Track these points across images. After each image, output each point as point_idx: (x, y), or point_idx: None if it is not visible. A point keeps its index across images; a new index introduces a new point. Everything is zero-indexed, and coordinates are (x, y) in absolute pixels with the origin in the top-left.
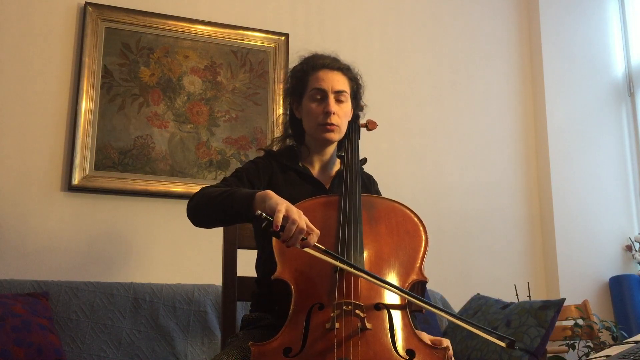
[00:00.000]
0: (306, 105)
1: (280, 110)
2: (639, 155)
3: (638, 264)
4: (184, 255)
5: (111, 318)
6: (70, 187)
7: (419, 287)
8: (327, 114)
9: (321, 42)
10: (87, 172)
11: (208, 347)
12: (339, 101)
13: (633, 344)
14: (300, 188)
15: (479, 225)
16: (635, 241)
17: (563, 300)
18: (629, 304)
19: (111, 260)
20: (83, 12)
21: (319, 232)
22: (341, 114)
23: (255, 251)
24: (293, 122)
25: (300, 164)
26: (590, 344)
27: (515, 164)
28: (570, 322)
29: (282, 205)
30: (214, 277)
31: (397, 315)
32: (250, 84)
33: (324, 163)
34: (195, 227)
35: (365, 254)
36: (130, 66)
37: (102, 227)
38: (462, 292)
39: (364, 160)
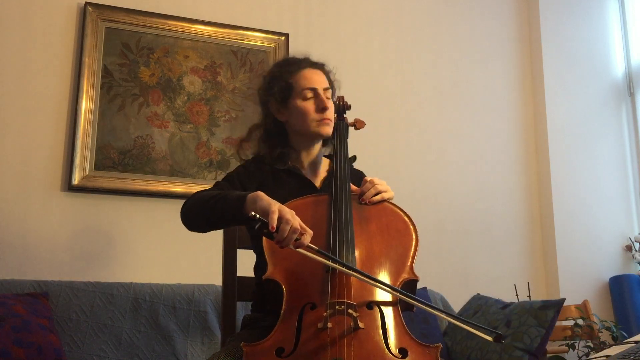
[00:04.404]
0: (297, 106)
1: None
2: (639, 155)
3: (638, 264)
4: (184, 255)
5: (111, 318)
6: (70, 187)
7: (409, 286)
8: (324, 109)
9: (321, 42)
10: (87, 172)
11: (208, 347)
12: (327, 98)
13: (633, 344)
14: (290, 188)
15: (479, 225)
16: (635, 241)
17: (563, 300)
18: (629, 304)
19: (111, 260)
20: (83, 12)
21: (312, 232)
22: (332, 109)
23: None
24: (274, 126)
25: (290, 164)
26: (590, 344)
27: (515, 164)
28: (570, 322)
29: (275, 206)
30: (214, 277)
31: (389, 314)
32: (250, 84)
33: (313, 162)
34: None
35: (356, 254)
36: (130, 66)
37: (102, 227)
38: (462, 292)
39: (354, 158)
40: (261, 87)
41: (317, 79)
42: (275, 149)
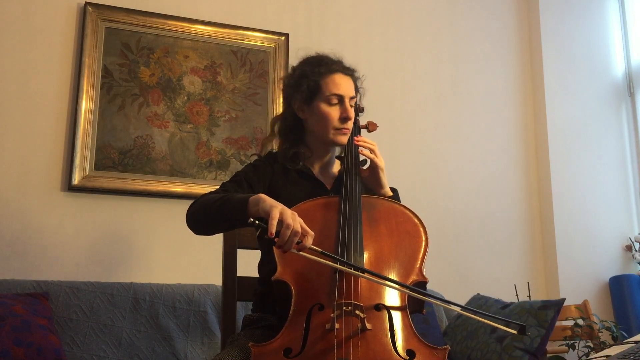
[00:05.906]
0: (320, 108)
1: (280, 110)
2: (639, 155)
3: (638, 264)
4: (184, 255)
5: (111, 318)
6: (70, 187)
7: (419, 288)
8: (346, 119)
9: (321, 42)
10: (87, 172)
11: (208, 347)
12: (350, 106)
13: (633, 344)
14: (301, 187)
15: (479, 225)
16: (635, 241)
17: (563, 300)
18: (629, 304)
19: (111, 260)
20: (83, 12)
21: (313, 234)
22: (353, 119)
23: (255, 251)
24: (293, 121)
25: (301, 164)
26: (590, 344)
27: (515, 164)
28: (570, 322)
29: (276, 210)
30: (214, 277)
31: (397, 315)
32: (250, 84)
33: (325, 163)
34: None
35: (365, 255)
36: (130, 66)
37: (102, 227)
38: (462, 292)
39: (364, 162)
40: (288, 80)
41: (346, 86)
42: (290, 146)
